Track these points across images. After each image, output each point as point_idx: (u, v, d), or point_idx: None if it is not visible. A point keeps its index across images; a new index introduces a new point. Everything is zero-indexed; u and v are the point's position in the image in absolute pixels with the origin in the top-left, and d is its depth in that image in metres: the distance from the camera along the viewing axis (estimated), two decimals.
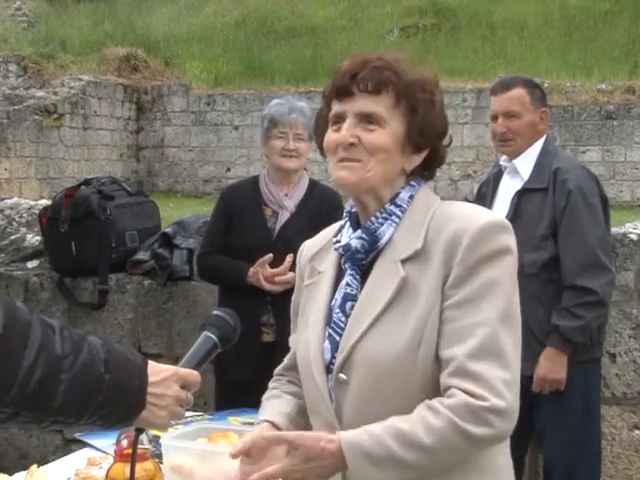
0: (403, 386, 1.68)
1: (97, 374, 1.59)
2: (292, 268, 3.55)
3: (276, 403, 1.95)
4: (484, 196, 3.70)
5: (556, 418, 3.43)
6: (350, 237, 1.80)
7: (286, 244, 3.56)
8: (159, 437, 2.49)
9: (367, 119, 1.75)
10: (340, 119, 1.78)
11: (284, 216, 3.68)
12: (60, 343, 1.57)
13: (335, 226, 1.94)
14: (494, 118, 3.58)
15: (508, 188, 3.59)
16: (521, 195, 3.49)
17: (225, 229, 3.74)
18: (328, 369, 1.78)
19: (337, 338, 1.77)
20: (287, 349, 3.49)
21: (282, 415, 1.89)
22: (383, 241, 1.76)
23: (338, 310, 1.79)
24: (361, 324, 1.73)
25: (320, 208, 3.67)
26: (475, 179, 15.14)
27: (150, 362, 1.72)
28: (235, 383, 3.65)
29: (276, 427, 1.84)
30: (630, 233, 4.06)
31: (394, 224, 1.77)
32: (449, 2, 20.33)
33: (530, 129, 3.53)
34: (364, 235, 1.78)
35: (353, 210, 1.86)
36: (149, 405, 1.67)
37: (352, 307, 1.77)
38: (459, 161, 15.74)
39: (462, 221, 1.70)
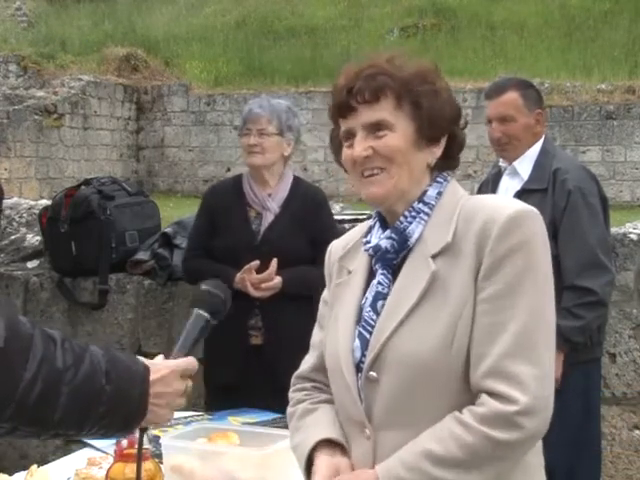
0: (436, 382, 1.67)
1: (98, 385, 1.59)
2: (277, 272, 3.54)
3: (320, 419, 1.88)
4: None
5: (556, 418, 3.42)
6: (380, 237, 1.80)
7: (271, 247, 3.55)
8: (159, 437, 2.49)
9: (375, 128, 1.75)
10: (351, 135, 1.78)
11: (268, 218, 3.63)
12: (62, 355, 1.56)
13: (363, 225, 1.92)
14: (489, 122, 3.57)
15: (508, 188, 3.59)
16: (520, 195, 3.48)
17: (208, 231, 3.70)
18: (358, 368, 1.77)
19: (367, 336, 1.76)
20: (275, 352, 3.51)
21: (332, 427, 1.84)
22: (413, 239, 1.76)
23: (369, 309, 1.78)
24: (392, 321, 1.72)
25: (303, 208, 3.64)
26: (475, 179, 15.12)
27: (149, 361, 1.71)
28: (223, 385, 3.64)
29: (335, 443, 1.81)
30: (630, 233, 4.06)
31: (423, 222, 1.76)
32: (449, 2, 20.32)
33: (526, 132, 3.51)
34: (393, 235, 1.77)
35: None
36: (151, 406, 1.67)
37: (383, 305, 1.76)
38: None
39: (490, 211, 1.70)
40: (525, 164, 3.53)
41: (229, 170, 17.50)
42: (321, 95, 16.04)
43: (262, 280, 3.50)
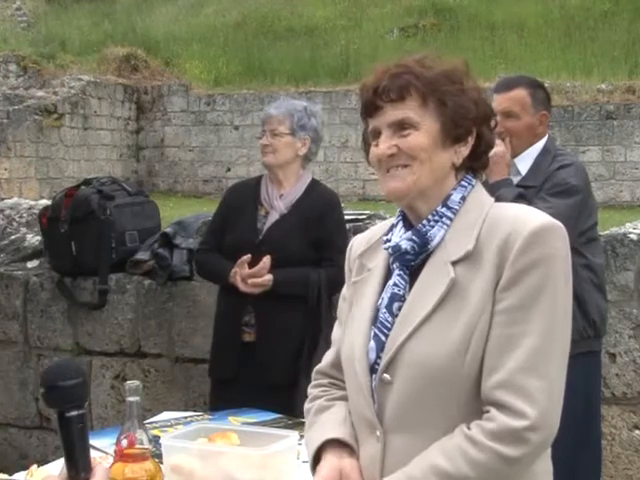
0: (448, 389, 1.67)
1: None
2: (270, 270, 3.53)
3: (331, 417, 1.89)
4: None
5: None
6: (401, 237, 1.79)
7: (270, 246, 3.55)
8: (159, 437, 2.49)
9: (400, 126, 1.75)
10: (378, 134, 1.79)
11: (273, 217, 3.65)
12: None
13: (386, 223, 1.92)
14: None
15: None
16: None
17: (220, 227, 3.75)
18: (372, 369, 1.77)
19: (383, 338, 1.76)
20: (267, 349, 3.54)
21: (342, 426, 1.85)
22: (433, 243, 1.75)
23: (385, 310, 1.78)
24: (408, 325, 1.71)
25: (313, 210, 3.65)
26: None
27: None
28: (220, 380, 3.71)
29: (342, 443, 1.82)
30: (630, 233, 4.06)
31: (445, 226, 1.75)
32: (449, 2, 20.34)
33: (527, 131, 3.51)
34: (414, 237, 1.76)
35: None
36: None
37: (399, 307, 1.76)
38: None
39: (515, 223, 1.69)
40: (526, 162, 3.54)
41: (229, 170, 17.51)
42: (321, 95, 16.05)
43: (251, 275, 3.51)
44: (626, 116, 15.65)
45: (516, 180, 3.54)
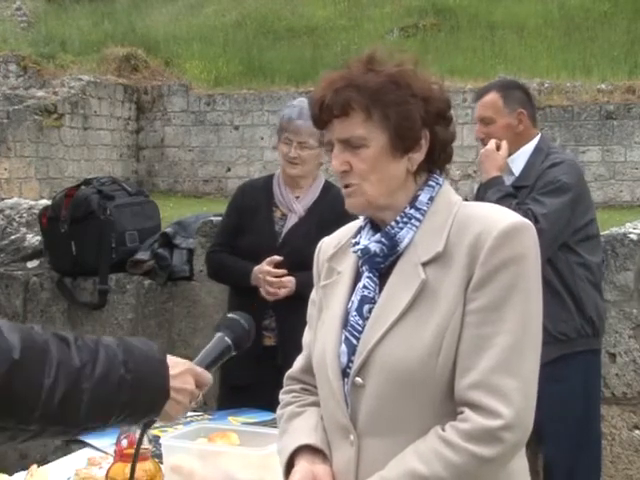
0: (421, 391, 1.66)
1: (118, 376, 1.61)
2: (294, 274, 3.51)
3: (303, 424, 1.87)
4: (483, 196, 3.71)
5: (556, 417, 3.43)
6: (369, 240, 1.78)
7: (292, 249, 3.51)
8: (159, 437, 2.49)
9: (350, 144, 1.74)
10: (332, 146, 1.79)
11: (292, 220, 3.61)
12: (77, 354, 1.59)
13: (353, 225, 1.90)
14: (477, 123, 3.65)
15: None
16: None
17: (235, 228, 3.68)
18: (344, 373, 1.76)
19: (354, 341, 1.75)
20: (288, 353, 3.49)
21: (313, 432, 1.83)
22: (402, 245, 1.74)
23: (355, 313, 1.77)
24: (379, 328, 1.70)
25: (330, 214, 3.61)
26: (475, 179, 15.14)
27: (167, 355, 1.74)
28: (235, 386, 3.61)
29: (315, 449, 1.80)
30: (630, 233, 4.06)
31: (414, 227, 1.74)
32: (449, 2, 20.34)
33: (506, 132, 3.53)
34: (383, 239, 1.75)
35: None
36: (171, 395, 1.69)
37: (369, 310, 1.75)
38: (459, 161, 15.73)
39: (484, 223, 1.68)
40: (518, 162, 3.56)
41: (229, 170, 17.51)
42: None
43: (277, 275, 3.48)
44: (626, 116, 15.65)
45: (510, 180, 3.55)
